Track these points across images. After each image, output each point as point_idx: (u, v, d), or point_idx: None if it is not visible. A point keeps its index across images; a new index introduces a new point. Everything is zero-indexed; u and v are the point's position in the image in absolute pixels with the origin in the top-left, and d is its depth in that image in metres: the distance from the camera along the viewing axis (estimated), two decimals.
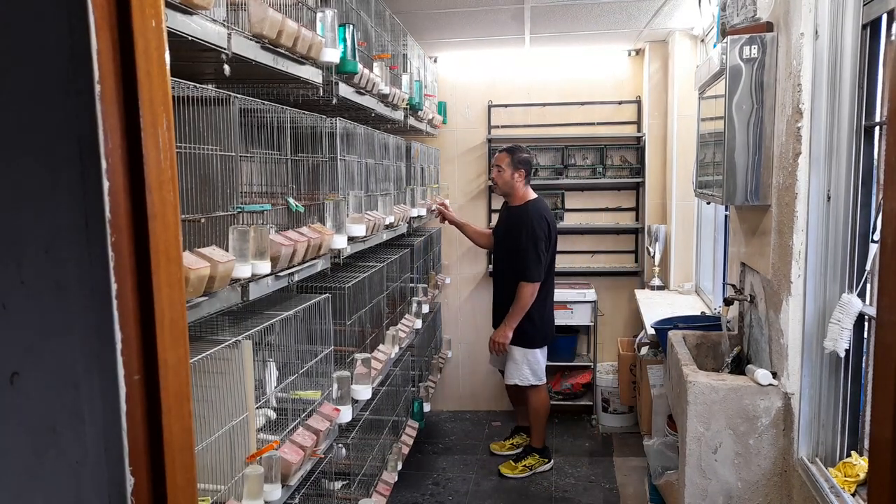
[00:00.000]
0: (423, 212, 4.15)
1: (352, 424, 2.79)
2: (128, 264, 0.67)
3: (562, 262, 4.95)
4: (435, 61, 5.14)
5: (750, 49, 2.26)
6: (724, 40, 2.32)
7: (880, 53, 1.89)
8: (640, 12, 4.00)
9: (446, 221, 4.54)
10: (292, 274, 2.09)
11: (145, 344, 0.69)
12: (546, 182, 5.09)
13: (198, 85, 1.62)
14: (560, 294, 4.57)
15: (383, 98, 3.20)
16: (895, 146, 0.88)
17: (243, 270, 1.72)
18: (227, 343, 1.77)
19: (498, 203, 5.18)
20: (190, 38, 1.52)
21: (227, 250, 1.70)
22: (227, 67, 1.71)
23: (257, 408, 1.94)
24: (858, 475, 1.84)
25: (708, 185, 2.70)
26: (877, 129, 1.91)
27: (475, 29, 4.37)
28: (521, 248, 3.94)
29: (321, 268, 2.37)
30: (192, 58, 1.77)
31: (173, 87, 1.08)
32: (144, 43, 0.68)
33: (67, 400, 0.66)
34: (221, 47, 1.67)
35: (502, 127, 5.18)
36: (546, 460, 4.27)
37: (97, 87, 0.63)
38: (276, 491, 1.88)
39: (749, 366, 2.38)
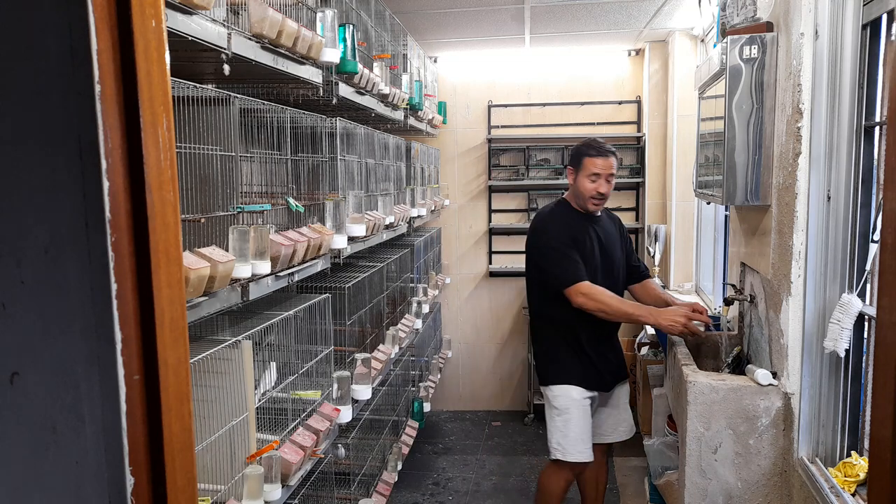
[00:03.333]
0: (423, 212, 4.14)
1: (352, 424, 2.80)
2: (128, 264, 0.67)
3: None
4: (435, 61, 5.14)
5: (750, 49, 2.26)
6: (724, 40, 2.32)
7: (880, 53, 1.89)
8: (640, 12, 4.00)
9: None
10: (292, 274, 2.09)
11: (145, 344, 0.69)
12: (546, 182, 5.09)
13: (198, 85, 1.62)
14: None
15: (383, 98, 3.20)
16: (895, 146, 0.88)
17: (243, 270, 1.72)
18: (227, 343, 1.78)
19: (498, 203, 5.20)
20: (190, 38, 1.52)
21: (227, 250, 1.70)
22: (226, 67, 1.72)
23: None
24: (858, 475, 1.84)
25: (708, 185, 2.70)
26: (877, 129, 1.91)
27: (475, 29, 4.37)
28: (633, 252, 3.26)
29: (321, 268, 2.38)
30: (192, 58, 1.77)
31: (173, 87, 1.08)
32: (144, 43, 0.68)
33: (67, 400, 0.66)
34: (221, 47, 1.67)
35: (502, 127, 5.18)
36: None
37: (97, 87, 0.63)
38: (276, 491, 1.88)
39: (749, 366, 2.37)
